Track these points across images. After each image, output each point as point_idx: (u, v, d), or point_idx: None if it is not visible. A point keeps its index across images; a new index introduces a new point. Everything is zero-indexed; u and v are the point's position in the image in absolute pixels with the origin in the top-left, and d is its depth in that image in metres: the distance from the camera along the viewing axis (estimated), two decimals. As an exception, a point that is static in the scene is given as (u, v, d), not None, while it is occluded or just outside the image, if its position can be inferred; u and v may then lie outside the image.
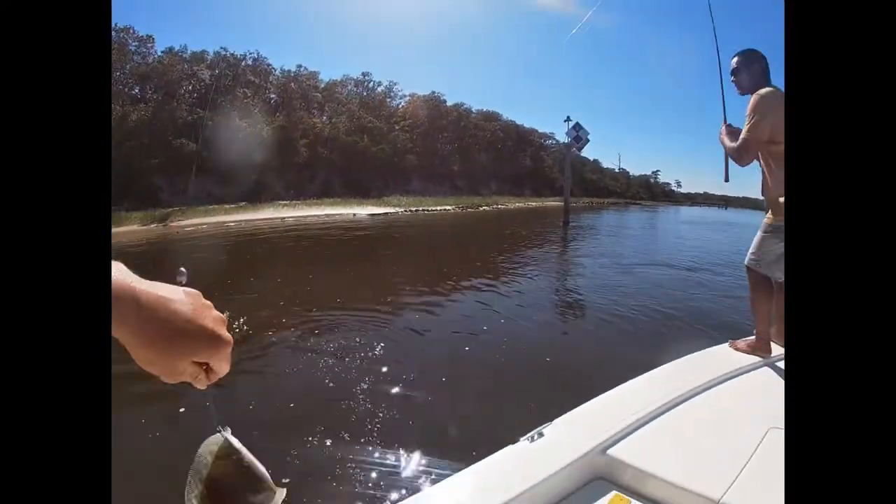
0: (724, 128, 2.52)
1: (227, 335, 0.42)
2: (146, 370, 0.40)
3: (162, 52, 31.47)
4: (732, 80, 2.40)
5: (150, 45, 30.86)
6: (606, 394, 1.85)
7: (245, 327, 5.53)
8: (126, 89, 29.18)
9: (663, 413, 1.72)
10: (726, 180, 2.68)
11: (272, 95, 36.28)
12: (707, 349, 2.40)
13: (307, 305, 6.75)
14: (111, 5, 0.28)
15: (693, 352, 2.34)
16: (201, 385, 0.43)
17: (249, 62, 35.54)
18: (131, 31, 29.63)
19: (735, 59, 2.38)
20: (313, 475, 2.76)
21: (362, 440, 3.12)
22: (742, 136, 2.28)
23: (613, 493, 1.44)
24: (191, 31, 74.37)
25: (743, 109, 2.31)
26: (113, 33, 28.19)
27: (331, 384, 4.05)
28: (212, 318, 0.41)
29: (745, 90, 2.33)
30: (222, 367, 0.43)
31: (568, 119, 25.00)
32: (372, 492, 2.66)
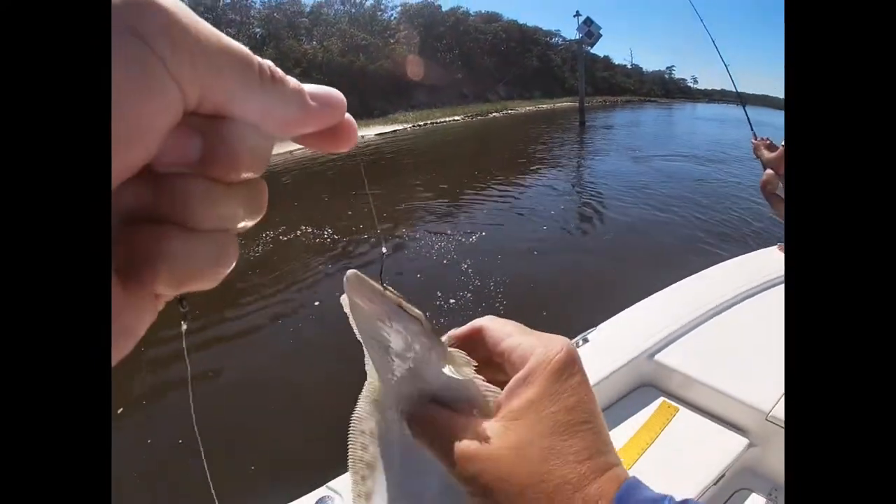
0: (759, 141, 2.33)
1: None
2: None
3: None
4: None
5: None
6: (652, 297, 1.76)
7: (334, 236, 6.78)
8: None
9: (711, 318, 1.63)
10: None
11: (257, 30, 34.23)
12: (756, 251, 2.27)
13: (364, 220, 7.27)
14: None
15: (740, 254, 2.23)
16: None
17: (228, 1, 33.47)
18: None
19: None
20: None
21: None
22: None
23: (661, 399, 1.39)
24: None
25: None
26: None
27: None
28: None
29: None
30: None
31: (577, 14, 23.53)
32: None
